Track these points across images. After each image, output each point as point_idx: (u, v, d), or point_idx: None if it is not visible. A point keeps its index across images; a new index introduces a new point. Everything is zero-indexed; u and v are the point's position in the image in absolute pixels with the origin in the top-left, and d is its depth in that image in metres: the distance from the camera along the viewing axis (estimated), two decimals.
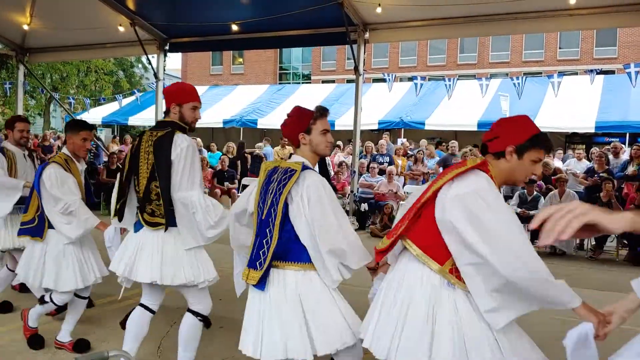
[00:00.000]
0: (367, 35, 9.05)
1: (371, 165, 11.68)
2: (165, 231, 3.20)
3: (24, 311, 4.14)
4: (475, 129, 15.40)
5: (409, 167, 12.18)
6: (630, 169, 9.54)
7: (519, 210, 8.71)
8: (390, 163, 11.97)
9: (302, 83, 36.22)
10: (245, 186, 12.80)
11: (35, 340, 4.02)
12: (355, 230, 3.11)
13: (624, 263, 8.23)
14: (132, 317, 3.45)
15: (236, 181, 12.76)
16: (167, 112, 3.34)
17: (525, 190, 9.11)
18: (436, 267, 2.24)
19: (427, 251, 2.27)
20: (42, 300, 4.02)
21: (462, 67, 33.72)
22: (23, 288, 5.29)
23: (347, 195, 10.68)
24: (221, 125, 18.19)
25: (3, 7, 9.74)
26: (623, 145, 12.35)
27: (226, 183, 12.11)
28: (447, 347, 2.16)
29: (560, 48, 31.98)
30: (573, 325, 2.15)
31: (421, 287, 2.26)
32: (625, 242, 8.48)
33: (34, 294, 4.77)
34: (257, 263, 2.69)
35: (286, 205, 2.65)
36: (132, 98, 18.56)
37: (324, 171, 2.98)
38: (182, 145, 3.15)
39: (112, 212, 3.44)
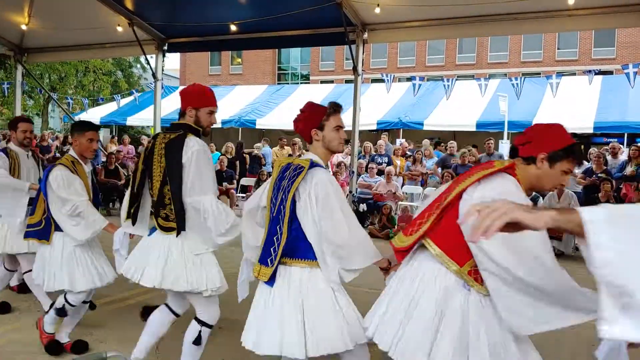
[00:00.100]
0: (365, 35, 9.04)
1: (370, 165, 11.69)
2: (177, 236, 3.15)
3: (39, 320, 4.08)
4: (473, 129, 15.42)
5: (407, 168, 12.18)
6: (629, 169, 9.56)
7: None
8: (389, 163, 11.98)
9: (301, 83, 36.23)
10: (244, 187, 12.81)
11: (53, 346, 3.94)
12: None
13: None
14: (154, 313, 3.43)
15: (235, 181, 12.76)
16: (182, 114, 3.28)
17: None
18: (455, 268, 2.22)
19: (448, 252, 2.24)
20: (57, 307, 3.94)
21: (461, 67, 33.75)
22: (22, 289, 5.28)
23: (345, 196, 10.66)
24: (220, 126, 18.14)
25: (1, 7, 9.72)
26: (621, 146, 12.38)
27: (225, 183, 12.10)
28: (447, 348, 2.15)
29: (558, 49, 32.02)
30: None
31: (434, 285, 2.25)
32: None
33: (33, 295, 4.75)
34: (269, 260, 2.70)
35: (294, 203, 2.64)
36: (131, 98, 18.57)
37: None
38: (193, 149, 3.09)
39: (125, 216, 3.39)
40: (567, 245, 8.55)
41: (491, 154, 11.42)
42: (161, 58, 10.98)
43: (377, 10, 8.17)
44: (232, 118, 17.86)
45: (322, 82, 33.35)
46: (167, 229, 3.17)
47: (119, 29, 9.89)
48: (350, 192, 10.16)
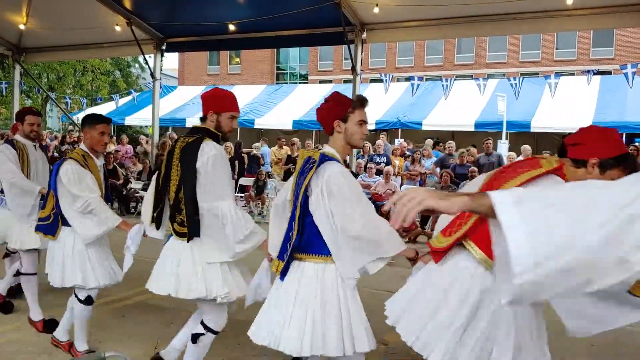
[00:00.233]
0: (364, 35, 9.04)
1: (368, 165, 11.69)
2: (187, 242, 3.11)
3: (52, 339, 4.03)
4: (472, 129, 15.43)
5: (406, 168, 12.17)
6: None
7: None
8: (388, 163, 11.97)
9: (299, 83, 36.18)
10: (242, 186, 12.80)
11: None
12: None
13: None
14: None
15: (233, 181, 12.74)
16: (203, 119, 3.23)
17: None
18: None
19: (492, 256, 2.22)
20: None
21: (459, 67, 33.75)
22: (19, 291, 5.20)
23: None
24: None
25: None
26: None
27: None
28: (472, 345, 2.17)
29: (557, 49, 32.04)
30: None
31: (470, 285, 2.22)
32: None
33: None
34: (284, 255, 2.68)
35: (306, 198, 2.60)
36: (129, 98, 18.55)
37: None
38: (209, 154, 3.02)
39: (149, 220, 3.32)
40: None
41: (490, 154, 11.42)
42: (159, 58, 10.97)
43: (376, 10, 8.17)
44: None
45: (320, 82, 33.33)
46: (182, 235, 3.13)
47: (117, 28, 9.88)
48: None
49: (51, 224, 3.81)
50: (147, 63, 11.30)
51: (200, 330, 3.21)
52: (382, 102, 16.22)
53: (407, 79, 13.67)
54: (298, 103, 18.40)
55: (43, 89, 17.38)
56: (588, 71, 10.26)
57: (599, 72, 14.80)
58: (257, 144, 14.98)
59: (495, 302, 2.19)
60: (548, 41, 31.73)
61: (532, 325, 2.20)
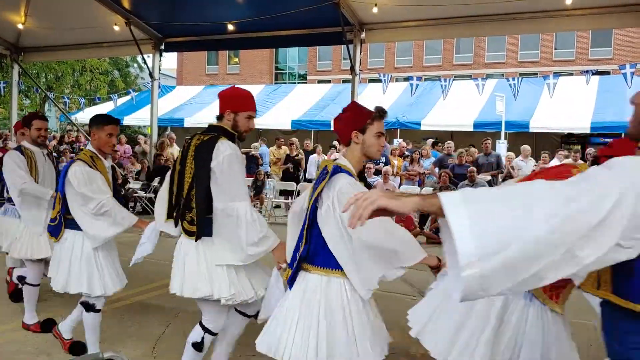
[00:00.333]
0: (363, 35, 9.03)
1: (367, 165, 11.68)
2: (196, 241, 3.06)
3: (54, 330, 3.99)
4: (471, 129, 15.43)
5: (404, 168, 12.18)
6: None
7: None
8: (386, 163, 11.98)
9: (298, 83, 36.18)
10: None
11: (79, 346, 3.87)
12: None
13: None
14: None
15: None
16: (219, 117, 3.18)
17: None
18: None
19: None
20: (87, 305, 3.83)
21: (458, 67, 33.77)
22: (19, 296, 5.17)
23: None
24: None
25: None
26: None
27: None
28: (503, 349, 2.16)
29: (555, 49, 32.07)
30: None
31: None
32: None
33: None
34: (293, 263, 2.67)
35: (314, 208, 2.55)
36: (127, 98, 18.51)
37: (361, 176, 2.86)
38: (225, 153, 2.97)
39: (164, 217, 3.27)
40: None
41: (489, 154, 11.43)
42: (158, 57, 10.96)
43: (375, 10, 8.16)
44: None
45: (319, 81, 33.32)
46: (191, 233, 3.09)
47: (116, 28, 9.87)
48: None
49: (56, 225, 3.77)
50: (145, 63, 11.27)
51: (199, 332, 3.17)
52: (381, 102, 16.07)
53: (406, 79, 13.67)
54: (297, 103, 18.40)
55: (41, 89, 17.33)
56: (587, 71, 10.27)
57: (597, 72, 14.79)
58: (255, 144, 14.97)
59: (518, 311, 2.18)
60: (547, 41, 31.77)
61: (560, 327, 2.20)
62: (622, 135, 2.46)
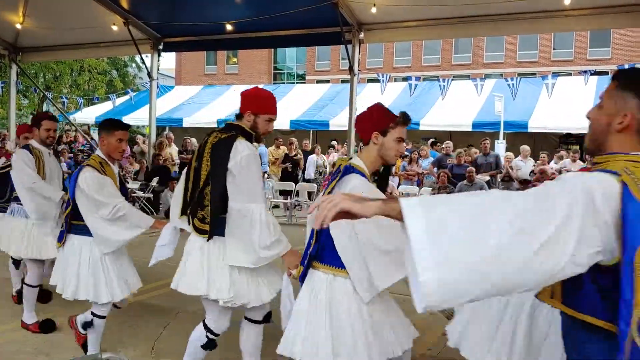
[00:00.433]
0: (361, 35, 9.04)
1: None
2: (208, 240, 3.03)
3: (71, 320, 3.92)
4: (469, 129, 15.43)
5: (403, 168, 12.18)
6: None
7: None
8: None
9: (297, 83, 36.17)
10: None
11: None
12: None
13: None
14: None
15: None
16: (239, 116, 3.15)
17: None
18: None
19: None
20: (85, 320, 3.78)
21: (457, 67, 33.79)
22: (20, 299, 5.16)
23: None
24: (215, 125, 18.11)
25: None
26: None
27: None
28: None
29: (554, 49, 32.10)
30: None
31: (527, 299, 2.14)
32: None
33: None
34: (304, 261, 2.66)
35: None
36: (126, 97, 18.50)
37: (384, 178, 2.82)
38: (242, 153, 2.93)
39: (179, 213, 3.23)
40: None
41: (487, 154, 11.43)
42: (156, 57, 10.96)
43: (374, 10, 8.16)
44: (228, 118, 17.79)
45: (317, 81, 33.32)
46: (202, 232, 3.05)
47: (114, 28, 9.86)
48: None
49: (62, 231, 3.74)
50: (144, 63, 11.27)
51: (202, 332, 3.15)
52: (380, 102, 16.23)
53: (405, 79, 13.67)
54: (295, 103, 18.38)
55: (40, 89, 17.32)
56: (585, 71, 10.26)
57: (596, 73, 14.77)
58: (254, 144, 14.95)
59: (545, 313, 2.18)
60: (545, 41, 31.80)
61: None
62: None
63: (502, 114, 14.65)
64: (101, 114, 20.04)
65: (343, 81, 27.37)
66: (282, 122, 17.68)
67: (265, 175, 12.92)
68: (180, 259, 3.21)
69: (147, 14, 9.83)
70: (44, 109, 30.57)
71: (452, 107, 15.32)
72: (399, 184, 11.69)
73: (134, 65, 30.97)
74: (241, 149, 2.96)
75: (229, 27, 9.36)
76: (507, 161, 11.67)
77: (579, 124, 14.37)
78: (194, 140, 14.11)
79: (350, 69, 9.27)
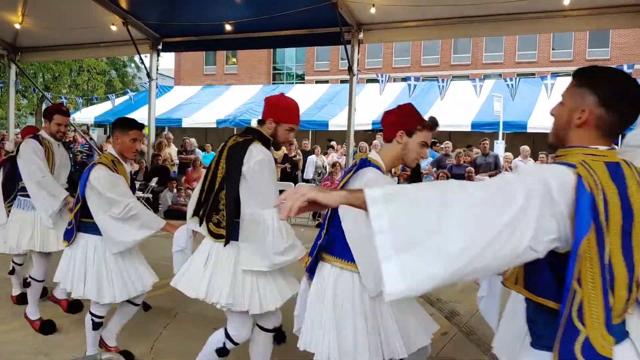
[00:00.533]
0: (361, 35, 9.03)
1: None
2: (225, 245, 2.99)
3: (101, 342, 3.86)
4: (469, 129, 15.45)
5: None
6: None
7: None
8: None
9: (296, 83, 36.17)
10: None
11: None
12: None
13: None
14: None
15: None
16: (260, 122, 3.12)
17: None
18: None
19: None
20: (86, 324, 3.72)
21: (456, 67, 33.80)
22: (22, 300, 5.14)
23: None
24: (215, 126, 18.15)
25: None
26: (616, 146, 12.37)
27: None
28: None
29: (553, 49, 32.12)
30: None
31: None
32: None
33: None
34: (313, 252, 2.66)
35: None
36: (125, 97, 18.49)
37: (416, 176, 2.82)
38: (257, 158, 2.90)
39: (191, 213, 3.20)
40: None
41: (487, 154, 11.44)
42: (155, 57, 10.94)
43: (373, 10, 8.16)
44: (227, 118, 17.83)
45: (317, 82, 33.34)
46: (217, 236, 3.03)
47: (113, 28, 9.85)
48: None
49: (70, 229, 3.65)
50: (143, 63, 11.26)
51: (221, 337, 3.11)
52: (379, 102, 16.23)
53: (404, 79, 13.66)
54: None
55: (39, 89, 17.30)
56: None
57: None
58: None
59: None
60: (544, 42, 31.81)
61: None
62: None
63: (501, 114, 14.66)
64: (100, 114, 20.05)
65: (342, 81, 27.38)
66: None
67: None
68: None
69: (146, 14, 9.82)
70: (43, 109, 30.52)
71: (452, 108, 15.33)
72: (399, 184, 11.68)
73: (133, 65, 30.98)
74: (255, 153, 2.93)
75: (228, 27, 9.35)
76: (506, 161, 11.67)
77: None
78: (193, 140, 14.12)
79: (350, 69, 9.27)
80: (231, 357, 3.22)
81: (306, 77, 38.14)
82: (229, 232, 2.97)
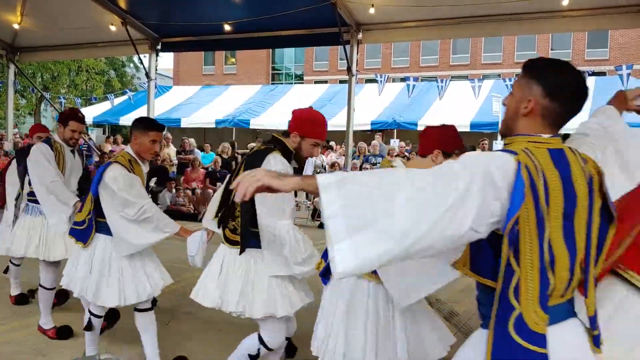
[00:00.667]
0: (360, 35, 9.03)
1: (364, 166, 11.70)
2: (240, 254, 2.95)
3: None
4: (468, 129, 15.43)
5: None
6: None
7: None
8: None
9: (295, 83, 36.19)
10: None
11: None
12: None
13: None
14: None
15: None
16: (286, 133, 3.06)
17: None
18: None
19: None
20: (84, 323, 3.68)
21: (455, 68, 33.83)
22: (21, 300, 5.10)
23: None
24: (214, 126, 18.13)
25: None
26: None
27: (218, 183, 12.07)
28: None
29: (552, 50, 32.13)
30: None
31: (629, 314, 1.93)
32: None
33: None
34: (326, 255, 2.65)
35: None
36: (124, 97, 18.49)
37: None
38: (275, 168, 2.80)
39: (213, 215, 3.17)
40: None
41: None
42: (154, 57, 10.92)
43: (372, 10, 8.16)
44: (226, 118, 17.82)
45: (316, 82, 33.33)
46: (232, 242, 3.00)
47: (112, 28, 9.84)
48: None
49: (85, 229, 3.52)
50: (142, 63, 11.24)
51: (256, 342, 3.07)
52: (378, 103, 16.24)
53: (403, 80, 13.66)
54: (293, 103, 18.36)
55: (37, 89, 17.33)
56: (583, 72, 10.29)
57: (594, 73, 14.82)
58: (252, 144, 14.95)
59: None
60: (543, 42, 31.83)
61: None
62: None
63: (500, 114, 14.65)
64: (99, 114, 20.03)
65: (341, 82, 27.42)
66: (280, 122, 17.64)
67: None
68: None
69: (145, 13, 9.81)
70: (42, 109, 30.53)
71: (450, 108, 15.34)
72: None
73: (131, 65, 30.97)
74: (273, 163, 2.89)
75: (227, 27, 9.35)
76: None
77: (577, 124, 14.39)
78: (192, 140, 14.10)
79: (349, 69, 9.27)
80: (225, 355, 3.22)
81: (305, 78, 38.15)
82: (244, 240, 2.94)
